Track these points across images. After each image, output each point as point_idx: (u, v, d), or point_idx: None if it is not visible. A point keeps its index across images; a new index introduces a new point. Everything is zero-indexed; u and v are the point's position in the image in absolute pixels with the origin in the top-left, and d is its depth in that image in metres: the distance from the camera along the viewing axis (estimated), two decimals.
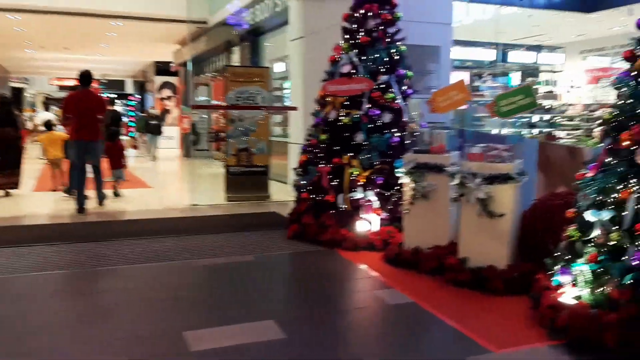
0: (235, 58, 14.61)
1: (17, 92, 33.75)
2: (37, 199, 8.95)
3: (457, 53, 12.60)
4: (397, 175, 5.36)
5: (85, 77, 7.73)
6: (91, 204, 7.91)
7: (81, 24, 15.32)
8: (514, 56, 14.36)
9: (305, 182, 6.18)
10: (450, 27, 7.50)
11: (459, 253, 4.68)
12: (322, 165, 5.94)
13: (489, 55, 13.77)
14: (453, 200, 4.70)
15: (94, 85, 8.02)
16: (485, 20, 11.12)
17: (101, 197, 8.07)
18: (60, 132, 9.98)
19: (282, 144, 10.22)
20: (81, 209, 7.59)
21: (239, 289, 4.51)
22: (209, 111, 16.03)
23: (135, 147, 19.49)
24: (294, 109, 8.87)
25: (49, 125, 10.31)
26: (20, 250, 5.48)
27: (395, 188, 5.64)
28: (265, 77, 8.73)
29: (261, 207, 8.16)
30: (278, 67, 11.86)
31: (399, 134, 5.80)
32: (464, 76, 12.94)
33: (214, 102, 14.88)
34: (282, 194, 8.63)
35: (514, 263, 4.51)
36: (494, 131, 9.14)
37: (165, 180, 12.74)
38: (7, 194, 9.12)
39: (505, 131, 9.46)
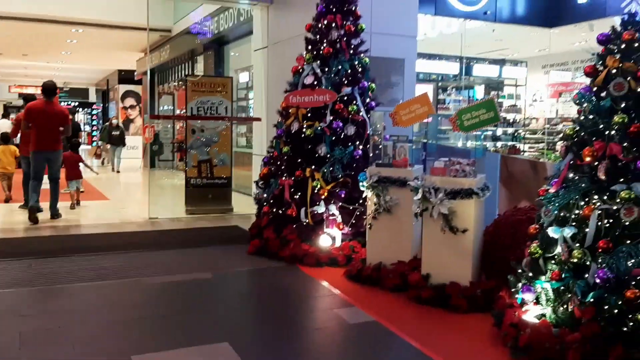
0: (200, 67, 14.38)
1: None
2: None
3: (422, 66, 12.63)
4: (360, 188, 5.25)
5: (49, 88, 7.61)
6: (43, 215, 7.58)
7: (40, 30, 14.85)
8: (478, 69, 14.50)
9: (266, 195, 6.02)
10: (415, 40, 7.47)
11: (422, 269, 4.59)
12: (284, 178, 5.79)
13: (454, 68, 13.86)
14: (416, 215, 4.60)
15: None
16: (450, 33, 11.19)
17: (54, 212, 7.78)
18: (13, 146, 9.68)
19: (246, 154, 10.04)
20: (33, 218, 7.35)
21: (193, 308, 4.32)
22: (172, 121, 15.72)
23: (98, 155, 18.97)
24: (257, 119, 8.72)
25: (5, 138, 9.87)
26: None
27: (359, 202, 5.54)
28: (227, 87, 8.55)
29: (223, 220, 7.95)
30: (243, 77, 11.70)
31: (362, 147, 5.70)
32: (428, 89, 13.01)
33: (178, 112, 14.62)
34: (246, 206, 8.44)
35: (477, 280, 4.43)
36: (458, 144, 9.16)
37: (125, 191, 12.40)
38: None
39: (469, 144, 9.49)
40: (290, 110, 5.91)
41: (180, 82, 15.79)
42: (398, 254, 4.89)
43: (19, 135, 8.68)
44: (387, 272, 4.80)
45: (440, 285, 4.39)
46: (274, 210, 5.85)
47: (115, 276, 5.04)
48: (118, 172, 15.49)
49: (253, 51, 9.19)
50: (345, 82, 5.80)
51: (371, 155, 5.42)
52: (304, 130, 5.72)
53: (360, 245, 5.43)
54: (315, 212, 5.56)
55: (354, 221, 5.56)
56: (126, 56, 19.31)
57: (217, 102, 8.34)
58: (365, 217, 5.22)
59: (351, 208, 5.56)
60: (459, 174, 4.44)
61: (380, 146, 5.24)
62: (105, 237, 6.78)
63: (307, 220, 5.58)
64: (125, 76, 23.84)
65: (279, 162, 5.93)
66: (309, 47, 6.02)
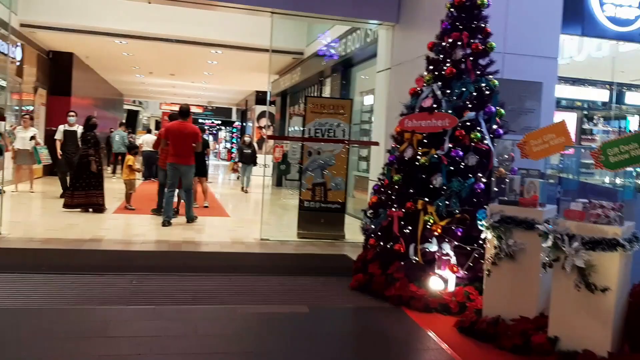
0: (327, 90, 14.33)
1: (134, 115, 35.93)
2: (112, 221, 8.96)
3: (565, 91, 11.43)
4: (479, 227, 4.59)
5: (184, 111, 8.82)
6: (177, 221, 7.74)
7: (183, 51, 15.78)
8: (632, 97, 12.88)
9: (374, 226, 5.54)
10: (556, 62, 6.62)
11: (549, 330, 3.83)
12: (393, 210, 5.28)
13: (603, 95, 12.42)
14: (545, 265, 3.86)
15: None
16: (600, 57, 9.99)
17: (190, 217, 8.88)
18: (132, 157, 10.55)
19: (365, 179, 9.64)
20: (167, 223, 8.52)
21: (283, 348, 3.94)
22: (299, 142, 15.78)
23: (235, 170, 19.62)
24: (375, 143, 8.28)
25: (130, 148, 10.62)
26: (54, 280, 5.26)
27: (477, 243, 4.86)
28: (347, 109, 8.24)
29: (333, 247, 7.58)
30: (368, 100, 11.36)
31: (485, 180, 5.02)
32: (571, 117, 11.73)
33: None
34: (359, 234, 7.99)
35: (618, 351, 3.60)
36: (605, 181, 7.99)
37: (248, 210, 12.51)
38: (98, 211, 9.42)
39: (618, 182, 8.26)
40: (404, 135, 5.41)
41: (303, 104, 15.89)
42: (520, 308, 4.16)
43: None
44: (506, 328, 4.09)
45: (570, 353, 3.63)
46: (381, 243, 5.34)
47: (210, 301, 4.84)
48: (246, 191, 15.61)
49: (376, 73, 8.82)
50: (469, 105, 5.18)
51: (494, 190, 4.74)
52: (419, 157, 5.18)
53: (476, 292, 4.75)
54: (426, 250, 4.97)
55: (470, 264, 4.88)
56: (262, 78, 19.98)
57: (335, 124, 8.05)
58: (483, 261, 4.54)
59: (468, 249, 4.90)
60: (601, 219, 3.65)
61: (506, 180, 4.55)
62: (212, 257, 6.70)
63: (417, 259, 5.01)
64: (262, 97, 24.75)
65: (389, 191, 5.43)
66: (430, 67, 5.49)
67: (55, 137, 11.36)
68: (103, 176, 9.84)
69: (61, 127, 11.29)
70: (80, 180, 9.44)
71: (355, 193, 9.73)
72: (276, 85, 19.92)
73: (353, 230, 8.17)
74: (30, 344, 3.67)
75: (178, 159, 8.51)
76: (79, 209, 9.41)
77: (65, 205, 9.46)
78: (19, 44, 13.78)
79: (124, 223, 9.00)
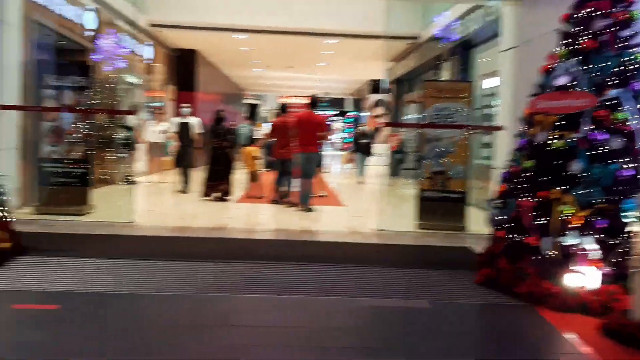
0: (445, 74, 13.77)
1: (253, 108, 37.27)
2: (235, 210, 9.24)
3: None
4: (624, 219, 4.08)
5: (312, 101, 9.37)
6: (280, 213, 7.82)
7: (299, 42, 15.97)
8: None
9: (502, 217, 5.14)
10: None
11: None
12: (524, 199, 4.86)
13: None
14: None
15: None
16: None
17: (306, 206, 9.04)
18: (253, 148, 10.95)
19: (487, 167, 9.11)
20: (308, 209, 8.98)
21: (402, 345, 3.74)
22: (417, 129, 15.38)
23: (350, 160, 19.66)
24: (498, 128, 7.76)
25: (250, 140, 10.91)
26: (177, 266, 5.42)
27: (623, 236, 4.33)
28: (468, 92, 7.79)
29: (453, 239, 7.22)
30: (488, 83, 10.73)
31: (632, 166, 4.45)
32: None
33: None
34: (482, 225, 7.55)
35: None
36: None
37: (363, 199, 12.39)
38: (222, 200, 9.85)
39: None
40: (536, 118, 4.94)
41: (420, 89, 15.41)
42: None
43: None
44: None
45: None
46: (510, 235, 4.94)
47: (329, 292, 4.76)
48: (362, 182, 15.42)
49: (499, 53, 8.25)
50: (611, 83, 4.62)
51: None
52: (553, 141, 4.71)
53: (622, 291, 4.23)
54: (563, 243, 4.51)
55: (615, 260, 4.36)
56: (378, 66, 19.73)
57: (455, 109, 7.65)
58: (631, 256, 4.03)
59: (612, 243, 4.38)
60: None
61: None
62: (329, 247, 6.64)
63: (552, 253, 4.57)
64: (376, 85, 24.52)
65: (519, 179, 5.00)
66: (565, 41, 4.96)
67: (170, 130, 11.73)
68: (233, 167, 10.28)
69: (175, 120, 11.53)
70: (215, 171, 9.96)
71: (477, 182, 9.20)
72: (391, 73, 19.58)
73: (475, 221, 7.74)
74: (155, 331, 3.79)
75: (306, 148, 8.94)
76: (212, 198, 9.90)
77: (206, 194, 10.02)
78: (149, 43, 14.69)
79: (246, 212, 9.25)
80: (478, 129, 9.28)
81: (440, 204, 7.73)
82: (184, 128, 11.12)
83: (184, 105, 11.67)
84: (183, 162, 11.11)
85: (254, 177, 10.73)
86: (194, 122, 11.15)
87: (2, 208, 5.31)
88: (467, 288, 4.97)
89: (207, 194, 10.07)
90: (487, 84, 10.76)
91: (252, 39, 15.88)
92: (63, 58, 9.36)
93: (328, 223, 8.47)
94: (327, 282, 5.01)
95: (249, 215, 8.99)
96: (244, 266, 5.44)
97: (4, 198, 5.44)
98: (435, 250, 6.60)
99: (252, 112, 34.58)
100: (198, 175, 10.99)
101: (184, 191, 10.93)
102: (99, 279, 4.81)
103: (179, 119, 11.30)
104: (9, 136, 7.53)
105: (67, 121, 7.94)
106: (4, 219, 5.29)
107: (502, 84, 8.32)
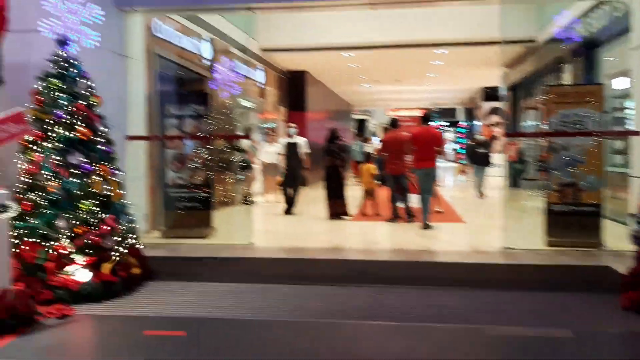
0: (567, 76, 12.86)
1: (361, 124, 37.37)
2: (351, 229, 9.14)
3: None
4: None
5: (426, 117, 9.58)
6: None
7: (407, 55, 15.75)
8: None
9: None
10: None
11: None
12: None
13: None
14: None
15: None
16: None
17: (426, 223, 8.77)
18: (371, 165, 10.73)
19: (623, 175, 8.28)
20: (427, 226, 8.76)
21: None
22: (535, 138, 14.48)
23: (464, 172, 18.97)
24: (635, 133, 7.01)
25: (366, 156, 10.84)
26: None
27: None
28: (598, 96, 7.13)
29: (590, 257, 6.59)
30: (617, 84, 9.81)
31: None
32: None
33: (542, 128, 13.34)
34: (622, 241, 6.84)
35: None
36: None
37: (484, 214, 11.76)
38: (339, 218, 9.90)
39: None
40: None
41: (541, 95, 14.49)
42: None
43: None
44: None
45: None
46: None
47: (455, 319, 4.45)
48: (482, 195, 14.52)
49: (628, 50, 7.49)
50: None
51: None
52: None
53: None
54: None
55: None
56: (491, 73, 18.97)
57: (584, 114, 7.03)
58: None
59: None
60: None
61: None
62: (452, 268, 6.31)
63: None
64: (490, 93, 23.59)
65: None
66: None
67: (278, 152, 11.54)
68: (346, 185, 10.30)
69: (282, 141, 11.38)
70: (331, 189, 10.02)
71: (612, 192, 8.40)
72: (506, 79, 18.71)
73: (614, 237, 7.03)
74: None
75: (424, 163, 8.92)
76: (331, 217, 9.97)
77: (333, 215, 10.04)
78: (261, 67, 15.18)
79: (362, 231, 9.14)
80: (610, 134, 8.49)
81: (572, 218, 7.09)
82: (291, 148, 11.01)
83: (290, 125, 11.66)
84: (290, 182, 10.98)
85: (369, 194, 10.60)
86: (301, 142, 11.09)
87: (132, 235, 5.58)
88: (612, 314, 4.45)
89: (330, 213, 10.07)
90: (616, 85, 9.86)
91: (360, 56, 15.92)
92: (183, 88, 9.87)
93: (448, 241, 8.11)
94: (450, 308, 4.72)
95: (365, 235, 8.86)
96: (360, 290, 5.29)
97: (134, 226, 5.72)
98: (571, 270, 6.05)
99: (361, 128, 34.74)
100: (308, 195, 11.07)
101: (290, 212, 10.81)
102: (220, 304, 4.88)
103: (286, 140, 11.25)
104: (138, 165, 7.99)
105: (188, 148, 8.32)
106: (134, 246, 5.56)
107: (635, 84, 7.54)
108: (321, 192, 10.40)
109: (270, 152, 12.55)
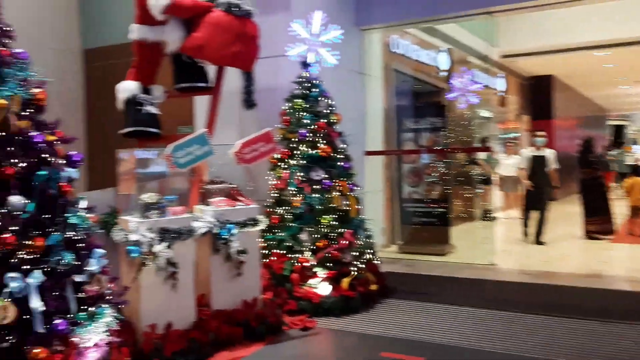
0: None
1: (619, 130, 33.07)
2: (612, 252, 7.94)
3: None
4: None
5: None
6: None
7: None
8: None
9: None
10: None
11: None
12: None
13: None
14: None
15: None
16: None
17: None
18: None
19: None
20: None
21: None
22: None
23: None
24: None
25: (633, 168, 9.38)
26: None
27: None
28: None
29: None
30: None
31: None
32: None
33: None
34: None
35: None
36: None
37: None
38: (597, 238, 8.84)
39: None
40: None
41: None
42: None
43: None
44: None
45: None
46: None
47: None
48: None
49: None
50: None
51: None
52: None
53: None
54: None
55: None
56: None
57: None
58: None
59: None
60: None
61: None
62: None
63: None
64: None
65: None
66: None
67: (519, 166, 9.60)
68: (610, 199, 9.19)
69: (525, 152, 9.35)
70: (589, 205, 9.00)
71: None
72: None
73: None
74: None
75: None
76: (589, 237, 8.97)
77: (591, 235, 9.01)
78: (501, 75, 14.38)
79: (627, 255, 7.87)
80: None
81: None
82: (536, 162, 8.95)
83: (538, 134, 9.39)
84: (535, 203, 8.94)
85: (636, 212, 9.10)
86: (550, 154, 9.00)
87: (370, 250, 5.56)
88: None
89: (588, 233, 8.99)
90: None
91: (616, 54, 14.04)
92: (419, 101, 9.75)
93: (630, 266, 6.50)
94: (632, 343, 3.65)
95: (633, 259, 7.58)
96: (626, 328, 4.43)
97: (371, 241, 5.70)
98: None
99: (618, 135, 30.75)
100: (556, 210, 9.94)
101: (540, 242, 8.79)
102: (460, 330, 4.53)
103: (530, 152, 9.20)
104: (375, 179, 8.06)
105: (425, 161, 8.14)
106: (371, 261, 5.53)
107: None
108: (571, 208, 9.25)
109: (509, 165, 11.66)
